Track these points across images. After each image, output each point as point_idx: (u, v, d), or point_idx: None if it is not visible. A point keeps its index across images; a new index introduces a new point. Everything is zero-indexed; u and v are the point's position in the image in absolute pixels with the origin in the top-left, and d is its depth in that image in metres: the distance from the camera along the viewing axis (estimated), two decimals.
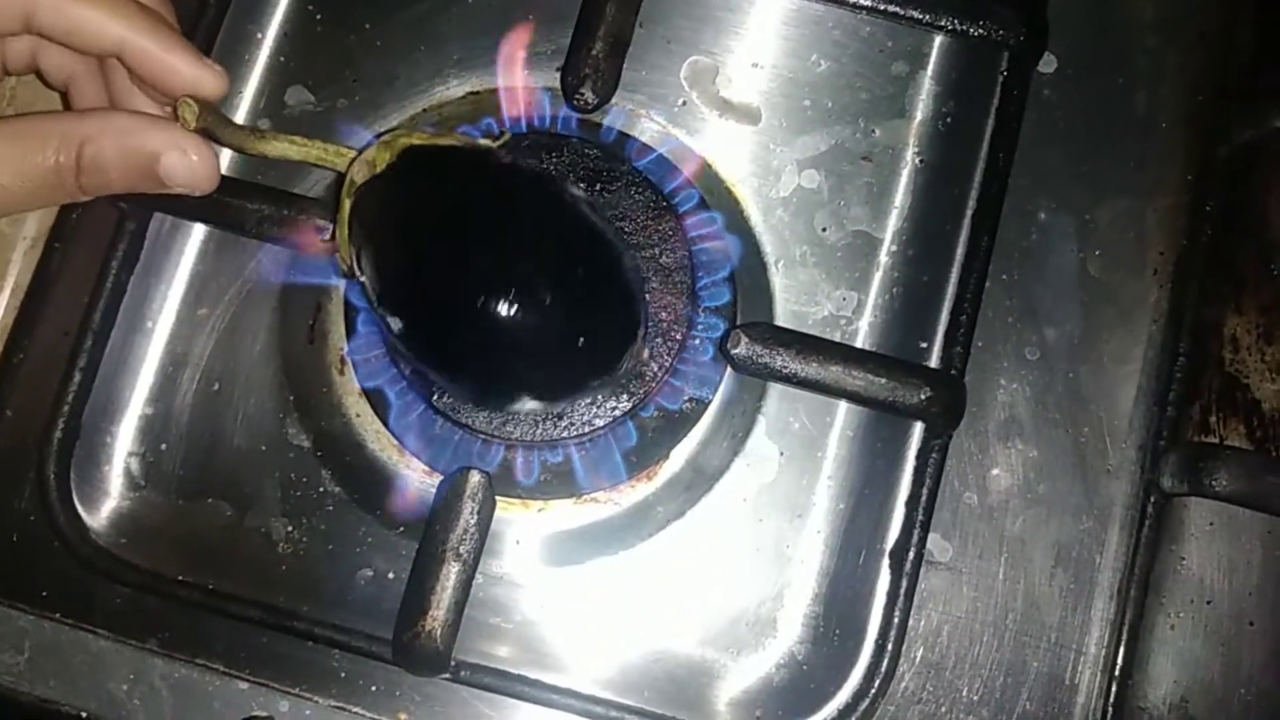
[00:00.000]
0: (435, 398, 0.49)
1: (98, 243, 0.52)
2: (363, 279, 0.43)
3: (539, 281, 0.42)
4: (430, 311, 0.43)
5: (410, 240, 0.43)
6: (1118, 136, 0.56)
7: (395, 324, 0.43)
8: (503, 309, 0.41)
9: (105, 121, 0.41)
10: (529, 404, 0.46)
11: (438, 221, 0.42)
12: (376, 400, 0.51)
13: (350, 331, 0.51)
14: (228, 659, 0.50)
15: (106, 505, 0.52)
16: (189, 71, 0.41)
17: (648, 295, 0.50)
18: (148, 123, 0.41)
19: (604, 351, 0.45)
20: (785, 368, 0.48)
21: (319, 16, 0.57)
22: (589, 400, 0.49)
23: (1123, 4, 0.57)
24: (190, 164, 0.41)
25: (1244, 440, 0.53)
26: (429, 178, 0.43)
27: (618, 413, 0.49)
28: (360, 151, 0.44)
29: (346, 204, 0.44)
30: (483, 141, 0.46)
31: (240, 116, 0.55)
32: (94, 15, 0.40)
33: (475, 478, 0.46)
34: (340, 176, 0.45)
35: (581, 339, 0.43)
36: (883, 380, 0.48)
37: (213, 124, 0.42)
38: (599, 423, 0.49)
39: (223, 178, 0.52)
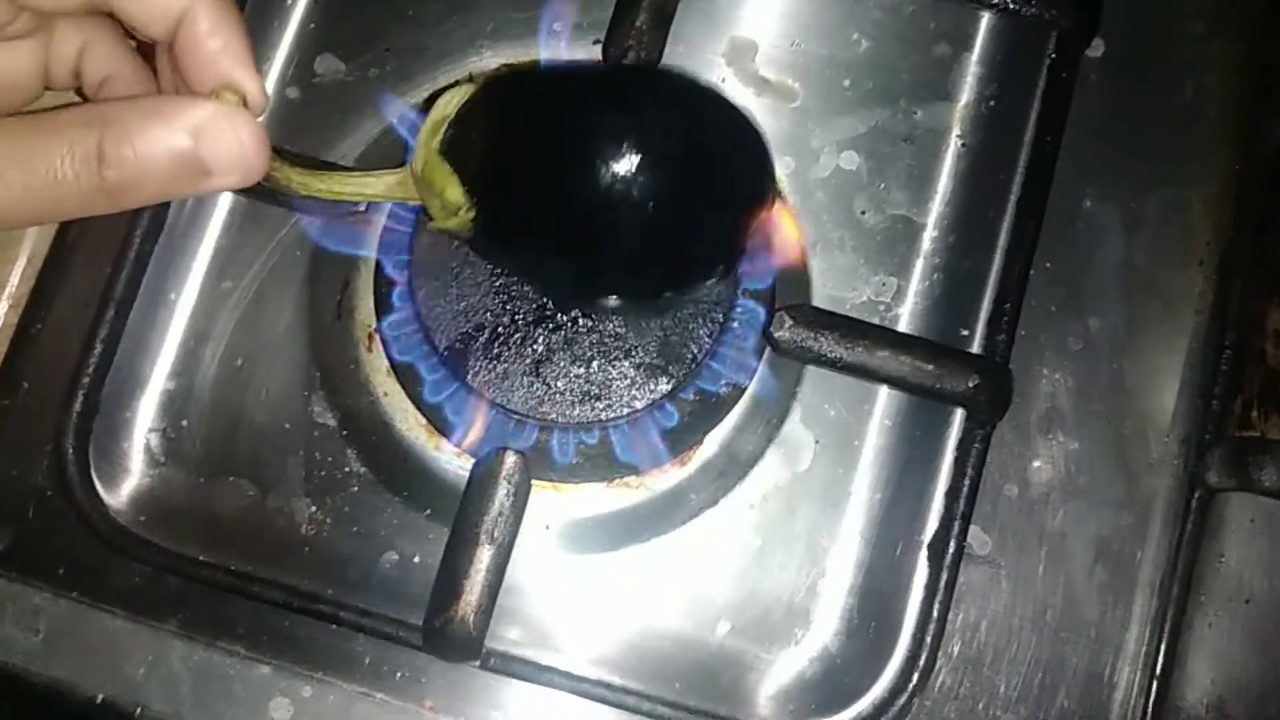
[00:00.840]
0: (469, 376, 0.48)
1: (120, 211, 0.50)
2: (471, 218, 0.41)
3: (668, 152, 0.39)
4: (568, 206, 0.40)
5: (531, 143, 0.40)
6: (1165, 124, 0.55)
7: (528, 238, 0.41)
8: (639, 180, 0.38)
9: (127, 103, 0.33)
10: (669, 285, 0.44)
11: (555, 118, 0.40)
12: (406, 378, 0.49)
13: (381, 307, 0.49)
14: (249, 642, 0.48)
15: (126, 482, 0.51)
16: (234, 69, 0.35)
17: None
18: (179, 98, 0.34)
19: (735, 223, 0.42)
20: (829, 351, 0.47)
21: None
22: (628, 382, 0.48)
23: None
24: (237, 139, 0.33)
25: None
26: (528, 89, 0.41)
27: (656, 394, 0.48)
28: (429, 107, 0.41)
29: (434, 143, 0.40)
30: None
31: (269, 84, 0.54)
32: None
33: (511, 458, 0.44)
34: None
35: (715, 208, 0.41)
36: (930, 367, 0.47)
37: (276, 176, 0.38)
38: (638, 404, 0.48)
39: None
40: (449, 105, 0.41)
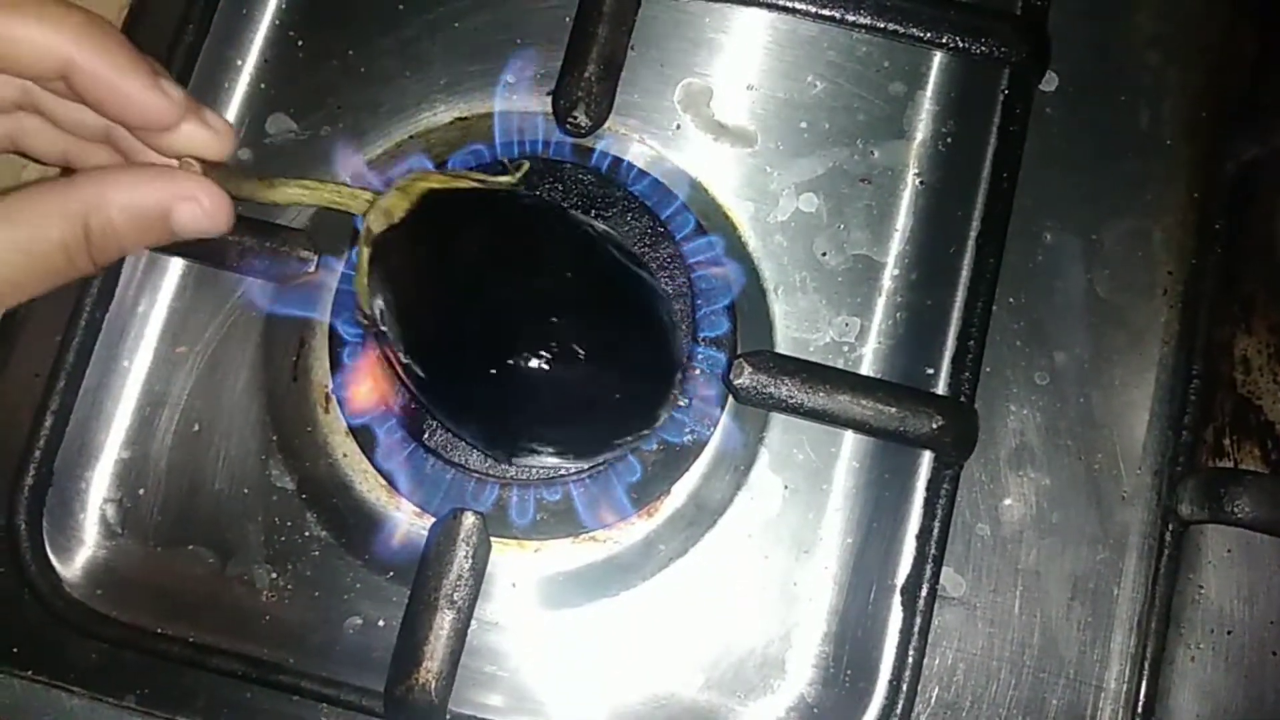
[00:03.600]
0: (427, 435, 0.47)
1: None
2: (385, 329, 0.42)
3: (571, 334, 0.40)
4: (460, 366, 0.41)
5: (435, 291, 0.41)
6: (1122, 155, 0.55)
7: (422, 378, 0.42)
8: (535, 363, 0.39)
9: (106, 186, 0.37)
10: (560, 460, 0.44)
11: (463, 271, 0.41)
12: (364, 439, 0.49)
13: (335, 367, 0.48)
14: (210, 715, 0.47)
15: (81, 554, 0.50)
16: (141, 98, 0.37)
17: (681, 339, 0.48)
18: (151, 175, 0.38)
19: (640, 405, 0.43)
20: (790, 398, 0.46)
21: (301, 43, 0.55)
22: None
23: (1124, 20, 0.56)
24: (204, 210, 0.38)
25: (1259, 463, 0.52)
26: (451, 224, 0.41)
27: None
28: (377, 197, 0.42)
29: (365, 252, 0.42)
30: (502, 179, 0.44)
31: None
32: (33, 31, 0.35)
33: (469, 520, 0.44)
34: (349, 216, 0.44)
35: (617, 393, 0.41)
36: (892, 409, 0.46)
37: (219, 176, 0.39)
38: (599, 459, 0.47)
39: None
40: (375, 222, 0.42)
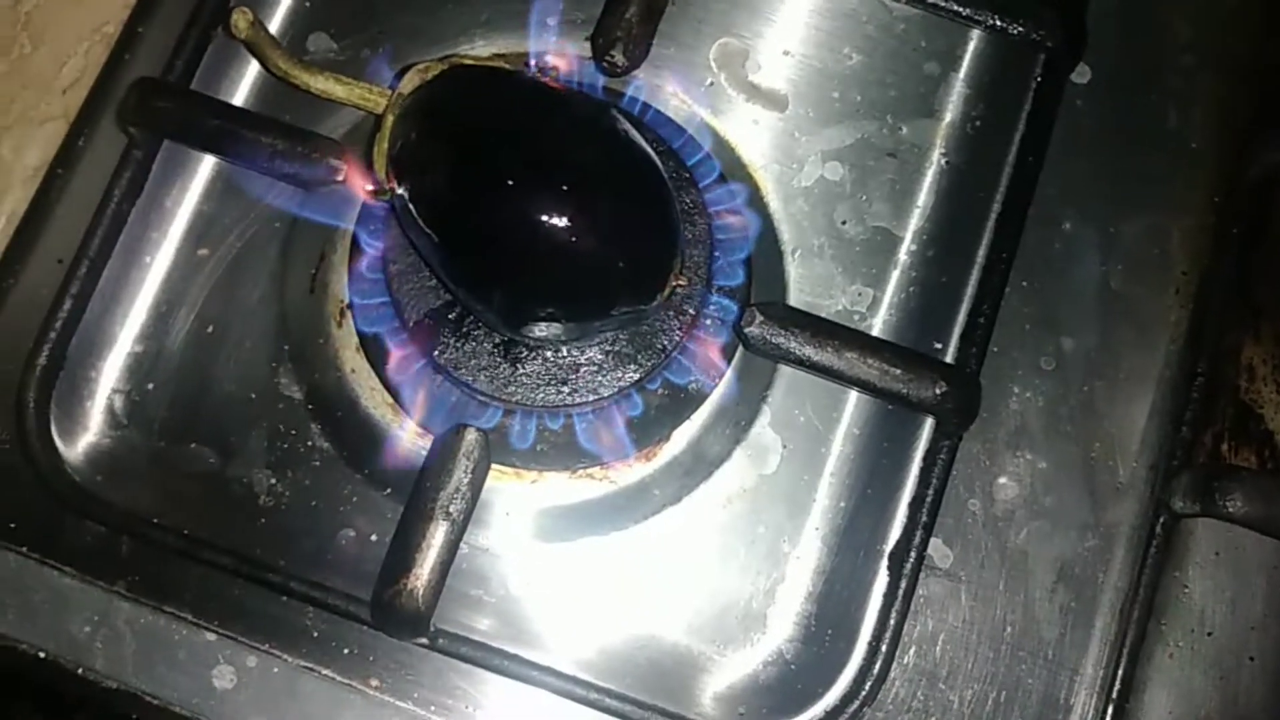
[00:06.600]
0: (437, 353, 0.47)
1: (102, 170, 0.50)
2: (400, 191, 0.43)
3: (583, 202, 0.41)
4: (473, 229, 0.42)
5: (453, 155, 0.42)
6: (1147, 152, 0.55)
7: (436, 242, 0.43)
8: (546, 226, 0.40)
9: None
10: (556, 325, 0.45)
11: (481, 136, 0.42)
12: (373, 353, 0.49)
13: (353, 277, 0.49)
14: (197, 608, 0.48)
15: (85, 440, 0.50)
16: None
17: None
18: None
19: (640, 277, 0.44)
20: (799, 350, 0.47)
21: None
22: (595, 368, 0.48)
23: (1159, 22, 0.57)
24: None
25: None
26: (474, 92, 0.43)
27: (624, 383, 0.48)
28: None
29: (389, 119, 0.43)
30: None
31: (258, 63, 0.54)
32: None
33: (472, 435, 0.44)
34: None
35: (620, 262, 0.42)
36: (898, 370, 0.47)
37: (261, 40, 0.41)
38: (604, 391, 0.48)
39: (238, 110, 0.52)
40: (407, 85, 0.42)
